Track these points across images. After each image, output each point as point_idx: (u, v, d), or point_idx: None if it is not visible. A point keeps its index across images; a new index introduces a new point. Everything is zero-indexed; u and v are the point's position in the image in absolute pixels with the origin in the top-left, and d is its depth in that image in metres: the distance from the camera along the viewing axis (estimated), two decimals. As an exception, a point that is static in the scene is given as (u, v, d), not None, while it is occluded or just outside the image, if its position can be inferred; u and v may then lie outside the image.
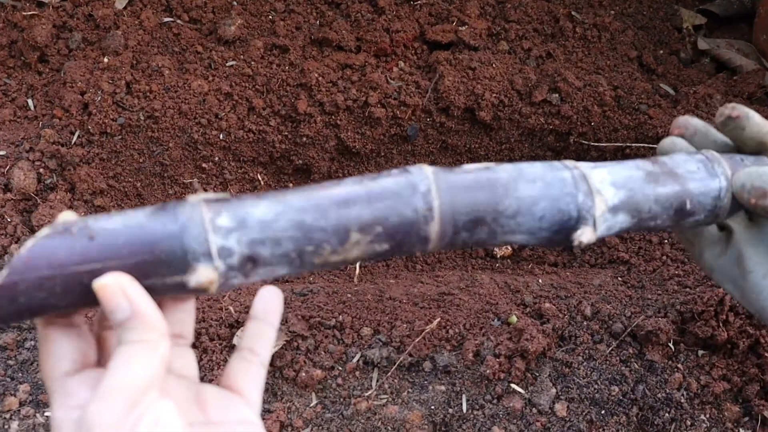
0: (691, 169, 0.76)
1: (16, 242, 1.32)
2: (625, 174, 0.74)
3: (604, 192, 0.72)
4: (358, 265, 1.54)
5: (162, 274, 0.56)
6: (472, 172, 0.68)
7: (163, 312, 0.60)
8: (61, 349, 0.58)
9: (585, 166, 0.73)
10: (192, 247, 0.56)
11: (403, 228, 0.64)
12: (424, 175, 0.65)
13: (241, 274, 0.60)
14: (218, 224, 0.57)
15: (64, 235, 0.54)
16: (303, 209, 0.60)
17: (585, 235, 0.71)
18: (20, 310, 0.54)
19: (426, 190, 0.64)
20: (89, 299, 0.55)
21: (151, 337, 0.54)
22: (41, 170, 1.42)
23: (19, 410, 1.16)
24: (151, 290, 0.57)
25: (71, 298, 0.55)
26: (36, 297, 0.54)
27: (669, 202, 0.75)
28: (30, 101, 1.53)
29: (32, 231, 1.34)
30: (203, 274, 0.57)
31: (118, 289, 0.53)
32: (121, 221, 0.56)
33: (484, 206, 0.67)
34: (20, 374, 1.21)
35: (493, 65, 1.59)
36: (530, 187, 0.69)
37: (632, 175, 0.74)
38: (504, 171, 0.69)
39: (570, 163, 0.72)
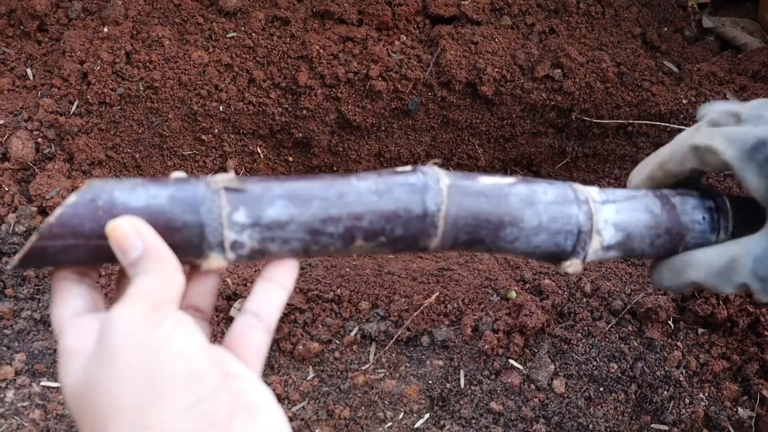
0: (696, 219, 0.78)
1: (13, 211, 1.31)
2: (631, 216, 0.76)
3: (604, 233, 0.75)
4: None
5: (177, 255, 0.60)
6: (485, 190, 0.70)
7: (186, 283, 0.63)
8: (73, 293, 0.61)
9: (597, 201, 0.75)
10: (208, 239, 0.61)
11: (405, 239, 0.67)
12: (437, 191, 0.67)
13: (248, 260, 0.65)
14: (234, 220, 0.61)
15: (90, 206, 0.58)
16: (315, 216, 0.64)
17: (572, 267, 0.75)
18: (46, 263, 0.60)
19: (435, 210, 0.67)
20: (109, 260, 0.60)
21: (166, 268, 0.57)
22: (39, 140, 1.41)
23: (14, 379, 1.16)
24: None
25: (93, 260, 0.61)
26: (61, 257, 0.59)
27: (663, 248, 0.78)
28: (29, 70, 1.52)
29: (30, 201, 1.34)
30: (214, 262, 0.62)
31: (131, 229, 0.57)
32: (145, 200, 0.60)
33: (486, 231, 0.70)
34: (16, 344, 1.20)
35: (496, 40, 1.58)
36: (536, 218, 0.71)
37: (637, 218, 0.76)
38: (516, 195, 0.71)
39: (583, 194, 0.74)
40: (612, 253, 0.77)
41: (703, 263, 0.74)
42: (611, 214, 0.76)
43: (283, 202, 0.63)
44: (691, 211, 0.78)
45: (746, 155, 0.70)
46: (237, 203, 0.62)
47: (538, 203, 0.72)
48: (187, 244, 0.61)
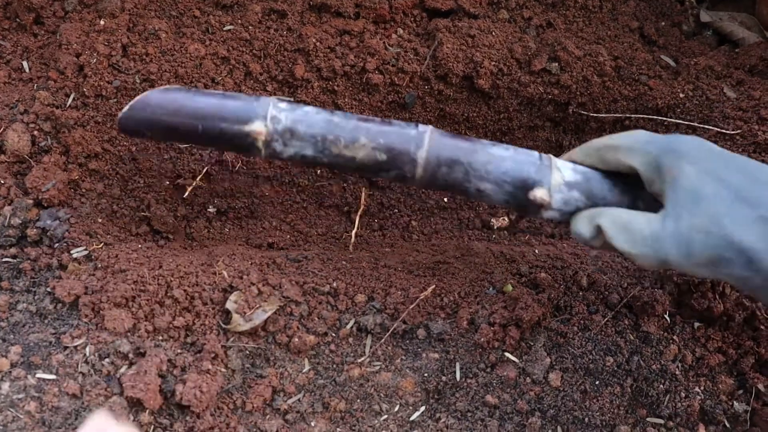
0: None
1: (9, 204, 1.31)
2: (588, 169, 0.97)
3: (564, 171, 0.95)
4: (353, 234, 1.53)
5: (232, 121, 0.93)
6: (461, 136, 0.96)
7: None
8: None
9: (556, 158, 0.98)
10: (257, 110, 0.93)
11: (398, 146, 0.94)
12: (425, 126, 0.96)
13: (281, 141, 0.94)
14: (278, 105, 0.95)
15: (175, 90, 0.95)
16: (334, 115, 0.95)
17: (540, 193, 0.94)
18: (140, 126, 0.96)
19: (423, 130, 0.95)
20: (181, 137, 0.96)
21: None
22: (35, 132, 1.41)
23: (10, 372, 1.16)
24: (221, 135, 0.94)
25: (173, 123, 0.94)
26: (153, 120, 0.95)
27: (623, 197, 0.95)
28: (25, 63, 1.52)
29: (26, 193, 1.34)
30: (257, 127, 0.93)
31: None
32: (220, 92, 0.96)
33: (463, 151, 0.95)
34: (12, 336, 1.20)
35: (493, 33, 1.58)
36: (502, 150, 0.96)
37: (593, 170, 0.96)
38: (487, 140, 0.98)
39: (545, 155, 0.98)
40: (575, 194, 0.95)
41: (614, 212, 0.91)
42: (569, 164, 0.97)
43: (314, 108, 0.95)
44: None
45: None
46: (283, 100, 0.95)
47: (505, 145, 0.97)
48: (241, 111, 0.92)
